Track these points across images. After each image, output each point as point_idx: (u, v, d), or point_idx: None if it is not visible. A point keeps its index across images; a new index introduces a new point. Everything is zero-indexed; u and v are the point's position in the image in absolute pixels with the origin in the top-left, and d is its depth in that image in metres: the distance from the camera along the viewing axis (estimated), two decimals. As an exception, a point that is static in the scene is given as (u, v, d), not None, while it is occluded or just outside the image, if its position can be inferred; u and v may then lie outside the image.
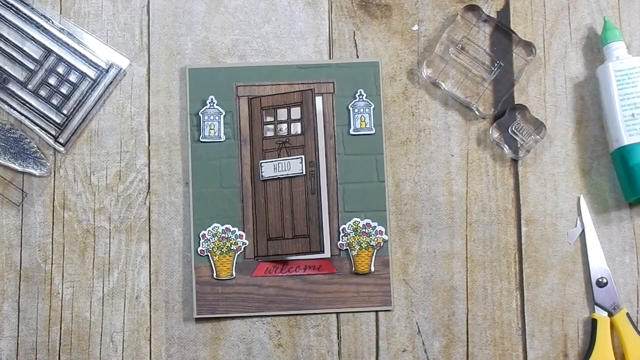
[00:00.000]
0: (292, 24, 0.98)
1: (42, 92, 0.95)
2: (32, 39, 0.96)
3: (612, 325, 0.91)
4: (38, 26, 0.96)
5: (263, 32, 0.97)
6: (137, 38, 0.97)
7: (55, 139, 0.94)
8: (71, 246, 0.93)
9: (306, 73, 0.96)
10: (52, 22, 0.96)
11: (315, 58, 0.97)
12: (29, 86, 0.95)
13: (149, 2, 0.98)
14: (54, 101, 0.95)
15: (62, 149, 0.94)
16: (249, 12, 0.98)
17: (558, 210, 0.95)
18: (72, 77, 0.96)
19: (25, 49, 0.96)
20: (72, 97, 0.95)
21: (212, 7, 0.98)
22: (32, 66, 0.96)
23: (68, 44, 0.96)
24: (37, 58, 0.96)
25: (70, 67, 0.96)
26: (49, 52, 0.96)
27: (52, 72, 0.96)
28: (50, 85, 0.95)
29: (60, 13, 0.97)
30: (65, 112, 0.95)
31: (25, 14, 0.96)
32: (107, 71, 0.95)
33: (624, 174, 0.92)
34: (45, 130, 0.94)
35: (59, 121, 0.95)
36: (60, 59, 0.96)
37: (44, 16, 0.96)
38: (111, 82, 0.95)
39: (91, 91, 0.95)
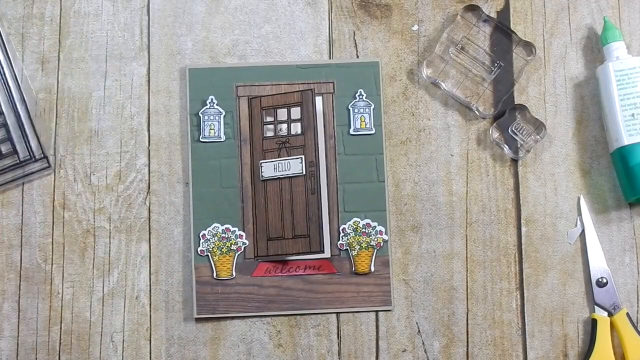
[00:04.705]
0: (292, 24, 0.98)
1: None
2: None
3: (612, 325, 0.91)
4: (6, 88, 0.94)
5: (263, 32, 0.97)
6: (137, 38, 0.97)
7: None
8: (71, 246, 0.93)
9: (306, 73, 0.96)
10: (20, 86, 0.93)
11: (315, 58, 0.97)
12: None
13: (149, 2, 0.98)
14: None
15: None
16: (249, 12, 0.98)
17: (558, 210, 0.95)
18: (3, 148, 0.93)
19: None
20: None
21: (212, 7, 0.98)
22: None
23: (21, 116, 0.94)
24: None
25: (9, 138, 0.93)
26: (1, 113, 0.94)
27: None
28: None
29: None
30: None
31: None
32: (35, 160, 0.93)
33: (624, 174, 0.92)
34: None
35: None
36: (4, 125, 0.94)
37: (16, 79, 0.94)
38: (32, 173, 0.93)
39: (9, 170, 0.93)
